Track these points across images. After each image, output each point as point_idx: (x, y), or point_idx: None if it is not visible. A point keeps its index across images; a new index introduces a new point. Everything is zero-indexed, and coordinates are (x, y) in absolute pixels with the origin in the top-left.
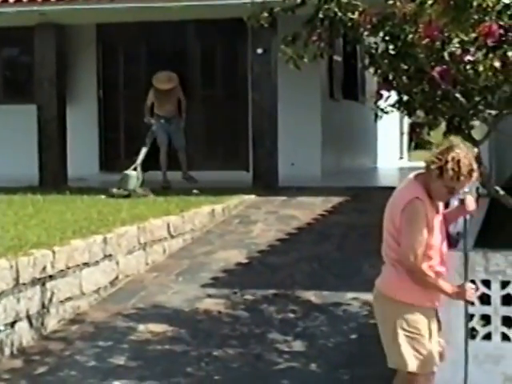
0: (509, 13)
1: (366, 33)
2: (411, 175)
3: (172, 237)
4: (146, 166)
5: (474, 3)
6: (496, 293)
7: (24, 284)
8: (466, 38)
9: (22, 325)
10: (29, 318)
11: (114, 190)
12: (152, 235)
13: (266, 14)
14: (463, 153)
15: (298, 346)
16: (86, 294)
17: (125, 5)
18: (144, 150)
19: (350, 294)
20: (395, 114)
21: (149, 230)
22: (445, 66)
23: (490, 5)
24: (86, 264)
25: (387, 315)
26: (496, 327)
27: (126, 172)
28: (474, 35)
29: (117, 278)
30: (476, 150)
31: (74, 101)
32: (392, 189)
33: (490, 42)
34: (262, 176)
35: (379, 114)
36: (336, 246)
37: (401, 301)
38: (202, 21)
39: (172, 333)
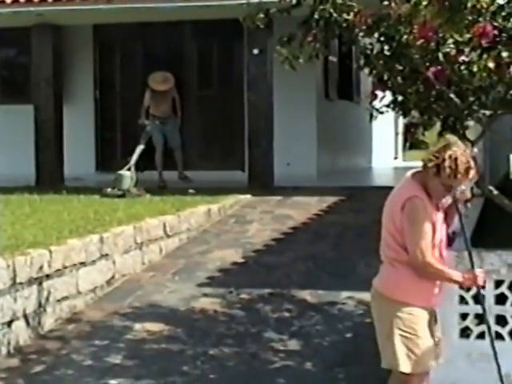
0: (503, 14)
1: (361, 33)
2: (408, 174)
3: (168, 236)
4: (142, 166)
5: (469, 4)
6: (490, 292)
7: (21, 283)
8: (460, 39)
9: (19, 324)
10: (26, 317)
11: (109, 190)
12: (148, 235)
13: (261, 15)
14: (460, 151)
15: (294, 344)
16: (83, 293)
17: (121, 5)
18: (138, 151)
19: (345, 293)
20: (390, 114)
21: (145, 230)
22: (439, 67)
23: (485, 6)
24: (83, 263)
25: (384, 314)
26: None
27: (120, 172)
28: (468, 36)
29: (113, 277)
30: (475, 149)
31: (71, 101)
32: (387, 188)
33: (484, 43)
34: (258, 176)
35: (374, 114)
36: (331, 246)
37: (398, 300)
38: (198, 21)
39: (168, 332)
